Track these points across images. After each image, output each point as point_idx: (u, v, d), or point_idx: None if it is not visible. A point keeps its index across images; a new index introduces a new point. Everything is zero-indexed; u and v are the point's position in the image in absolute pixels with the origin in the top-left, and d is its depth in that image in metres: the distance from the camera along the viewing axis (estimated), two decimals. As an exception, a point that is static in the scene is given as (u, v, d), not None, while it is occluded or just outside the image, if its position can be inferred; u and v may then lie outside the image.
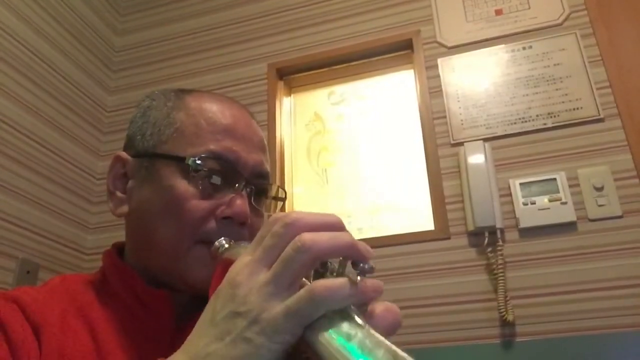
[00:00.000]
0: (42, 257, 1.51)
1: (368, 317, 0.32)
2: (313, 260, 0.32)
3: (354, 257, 0.33)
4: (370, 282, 0.32)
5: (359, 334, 0.30)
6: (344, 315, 0.31)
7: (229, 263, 0.41)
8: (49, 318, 0.51)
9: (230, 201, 0.56)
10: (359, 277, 0.31)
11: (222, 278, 0.36)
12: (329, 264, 0.34)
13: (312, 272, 0.34)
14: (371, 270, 0.33)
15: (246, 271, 0.34)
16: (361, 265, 0.33)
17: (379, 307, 0.33)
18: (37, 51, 1.63)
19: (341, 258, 0.34)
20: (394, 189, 1.62)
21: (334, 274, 0.34)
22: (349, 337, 0.30)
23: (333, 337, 0.30)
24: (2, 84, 1.48)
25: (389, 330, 0.33)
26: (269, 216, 0.64)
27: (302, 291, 0.31)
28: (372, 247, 1.26)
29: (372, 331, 0.30)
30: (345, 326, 0.30)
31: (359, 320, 0.31)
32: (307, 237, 0.32)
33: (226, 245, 0.51)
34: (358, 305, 0.32)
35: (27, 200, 1.50)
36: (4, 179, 1.43)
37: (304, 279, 0.34)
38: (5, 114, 1.47)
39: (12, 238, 1.43)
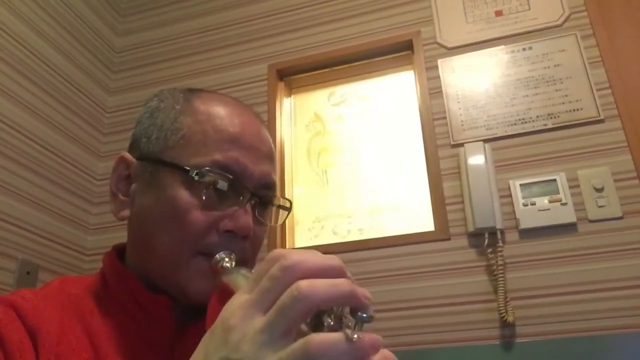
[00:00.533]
0: (42, 258, 1.51)
1: None
2: (310, 310, 0.32)
3: (352, 305, 0.33)
4: (369, 337, 0.31)
5: None
6: None
7: (225, 291, 0.41)
8: (46, 323, 0.50)
9: (233, 215, 0.55)
10: (355, 335, 0.31)
11: (218, 307, 0.35)
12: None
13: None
14: (369, 319, 0.32)
15: (240, 314, 0.33)
16: (359, 314, 0.32)
17: (376, 357, 0.32)
18: (37, 52, 1.63)
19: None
20: (394, 189, 1.62)
21: (332, 315, 0.33)
22: None
23: None
24: (2, 85, 1.48)
25: None
26: (272, 225, 0.64)
27: (296, 345, 0.30)
28: (372, 247, 1.26)
29: None
30: None
31: None
32: (304, 285, 0.31)
33: (226, 259, 0.51)
34: None
35: (27, 201, 1.50)
36: (4, 180, 1.43)
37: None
38: (5, 114, 1.47)
39: (12, 239, 1.43)
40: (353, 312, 0.33)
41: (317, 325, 0.33)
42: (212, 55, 1.91)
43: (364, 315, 0.32)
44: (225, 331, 0.33)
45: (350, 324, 0.32)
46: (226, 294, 0.36)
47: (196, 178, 0.54)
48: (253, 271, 0.38)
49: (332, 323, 0.33)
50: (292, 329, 0.32)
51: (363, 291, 0.33)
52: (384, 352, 0.33)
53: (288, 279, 0.32)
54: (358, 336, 0.30)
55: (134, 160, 0.59)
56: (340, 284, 0.32)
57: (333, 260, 0.34)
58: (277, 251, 0.34)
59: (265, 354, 0.31)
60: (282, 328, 0.31)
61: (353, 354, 0.30)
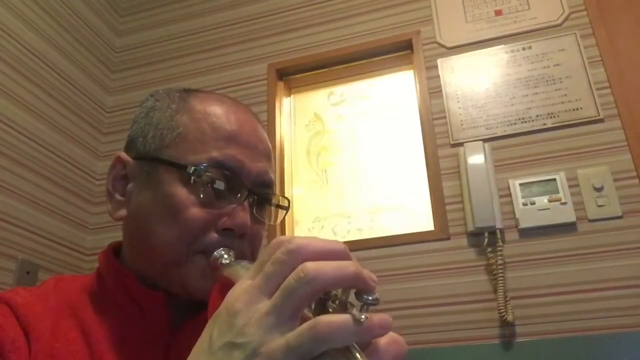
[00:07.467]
0: (41, 257, 1.51)
1: (372, 350, 0.31)
2: (316, 292, 0.31)
3: (358, 288, 0.32)
4: (377, 318, 0.31)
5: None
6: (346, 353, 0.30)
7: (226, 283, 0.40)
8: (40, 320, 0.50)
9: (231, 212, 0.54)
10: (363, 315, 0.30)
11: (219, 299, 0.35)
12: (332, 292, 0.33)
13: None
14: (375, 302, 0.31)
15: (245, 298, 0.32)
16: (365, 297, 0.31)
17: (384, 339, 0.32)
18: (37, 51, 1.63)
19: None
20: (394, 189, 1.62)
21: (337, 302, 0.32)
22: None
23: None
24: (2, 85, 1.48)
25: None
26: (271, 224, 0.63)
27: (303, 326, 0.29)
28: (372, 247, 1.26)
29: None
30: None
31: (361, 359, 0.29)
32: (310, 266, 0.30)
33: (225, 256, 0.51)
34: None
35: (27, 200, 1.50)
36: (3, 180, 1.43)
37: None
38: (5, 114, 1.47)
39: (11, 239, 1.43)
40: (358, 295, 0.32)
41: (321, 312, 0.32)
42: (211, 55, 1.91)
43: (370, 298, 0.31)
44: (230, 316, 0.32)
45: (355, 308, 0.31)
46: (227, 286, 0.36)
47: (193, 174, 0.53)
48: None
49: (338, 304, 0.32)
50: (299, 312, 0.31)
51: (369, 273, 0.32)
52: (393, 335, 0.32)
53: (293, 262, 0.31)
54: (366, 317, 0.30)
55: (130, 159, 0.59)
56: (346, 266, 0.32)
57: (337, 243, 0.33)
58: (280, 237, 0.34)
59: (271, 337, 0.30)
60: (289, 311, 0.30)
61: (361, 335, 0.30)
